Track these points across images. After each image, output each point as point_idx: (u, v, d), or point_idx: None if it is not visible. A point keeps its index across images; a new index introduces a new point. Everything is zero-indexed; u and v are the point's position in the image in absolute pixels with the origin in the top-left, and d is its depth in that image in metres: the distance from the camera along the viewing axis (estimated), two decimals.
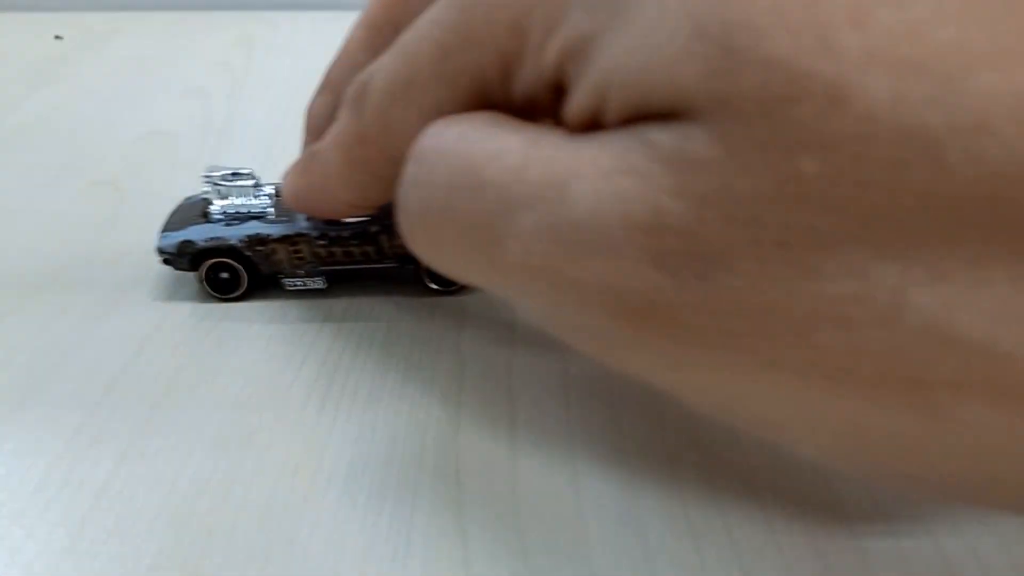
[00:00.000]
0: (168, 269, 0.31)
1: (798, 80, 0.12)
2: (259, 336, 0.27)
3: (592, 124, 0.15)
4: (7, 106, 0.47)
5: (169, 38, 0.59)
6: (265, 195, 0.29)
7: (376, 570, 0.19)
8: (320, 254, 0.29)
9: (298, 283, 0.29)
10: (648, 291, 0.14)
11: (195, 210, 0.30)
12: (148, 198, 0.37)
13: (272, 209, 0.29)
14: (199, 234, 0.29)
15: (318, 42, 0.59)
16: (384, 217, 0.28)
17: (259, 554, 0.20)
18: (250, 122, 0.45)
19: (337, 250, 0.29)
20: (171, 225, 0.29)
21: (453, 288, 0.30)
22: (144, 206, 0.36)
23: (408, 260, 0.29)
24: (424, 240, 0.18)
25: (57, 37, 0.59)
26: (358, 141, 0.22)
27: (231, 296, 0.29)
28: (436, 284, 0.29)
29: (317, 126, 0.28)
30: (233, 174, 0.29)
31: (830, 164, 0.12)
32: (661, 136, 0.14)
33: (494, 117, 0.17)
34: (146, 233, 0.33)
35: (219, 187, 0.29)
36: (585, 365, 0.26)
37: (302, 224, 0.28)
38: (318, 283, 0.29)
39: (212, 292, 0.29)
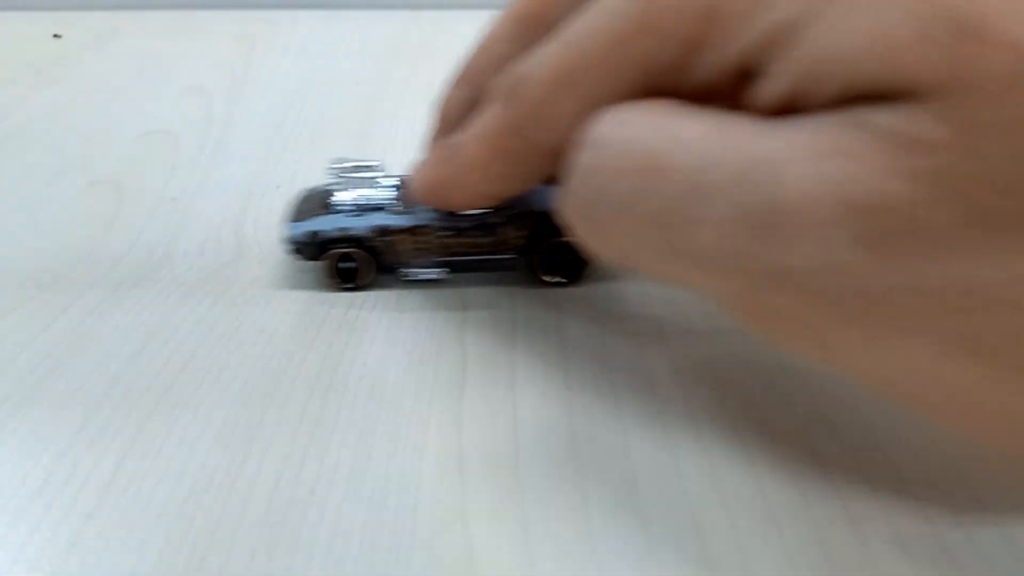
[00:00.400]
0: (167, 267, 0.31)
1: None
2: (262, 332, 0.27)
3: (788, 109, 0.15)
4: (6, 105, 0.47)
5: (169, 37, 0.59)
6: (388, 187, 0.30)
7: (381, 562, 0.19)
8: (443, 245, 0.29)
9: (418, 273, 0.30)
10: (854, 273, 0.14)
11: (318, 201, 0.30)
12: (148, 197, 0.37)
13: (394, 201, 0.30)
14: (326, 224, 0.29)
15: (318, 41, 0.59)
16: (506, 208, 0.29)
17: (264, 548, 0.20)
18: (250, 121, 0.45)
19: (459, 241, 0.29)
20: (297, 216, 0.30)
21: (569, 281, 0.30)
22: (144, 205, 0.36)
23: (525, 252, 0.29)
24: (595, 227, 0.18)
25: (56, 36, 0.59)
26: (509, 132, 0.22)
27: (352, 286, 0.30)
28: (551, 277, 0.30)
29: (451, 119, 0.28)
30: (357, 167, 0.30)
31: None
32: (880, 118, 0.14)
33: (671, 104, 0.18)
34: (147, 232, 0.34)
35: (343, 179, 0.30)
36: (586, 358, 0.26)
37: (425, 215, 0.29)
38: (439, 274, 0.30)
39: (337, 282, 0.30)
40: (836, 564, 0.19)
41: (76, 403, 0.24)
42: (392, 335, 0.27)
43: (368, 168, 0.30)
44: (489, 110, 0.23)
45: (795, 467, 0.22)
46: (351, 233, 0.29)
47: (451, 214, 0.29)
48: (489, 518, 0.20)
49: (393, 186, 0.30)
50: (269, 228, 0.34)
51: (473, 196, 0.26)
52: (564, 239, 0.28)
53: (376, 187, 0.30)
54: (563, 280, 0.30)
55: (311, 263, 0.29)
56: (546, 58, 0.20)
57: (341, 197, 0.30)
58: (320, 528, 0.20)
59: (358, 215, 0.29)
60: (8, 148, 0.42)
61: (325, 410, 0.24)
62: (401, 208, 0.29)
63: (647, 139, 0.17)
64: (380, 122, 0.45)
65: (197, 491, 0.21)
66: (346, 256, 0.29)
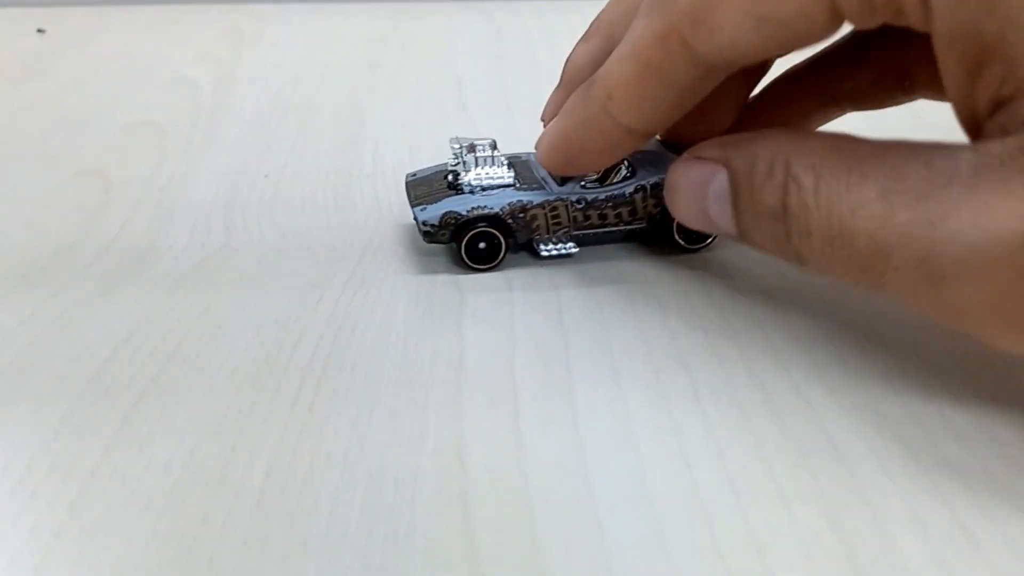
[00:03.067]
0: (154, 257, 0.30)
1: None
2: (251, 321, 0.26)
3: None
4: None
5: (155, 31, 0.58)
6: (504, 166, 0.29)
7: (379, 554, 0.18)
8: (577, 218, 0.29)
9: (552, 249, 0.29)
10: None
11: (438, 183, 0.30)
12: (135, 187, 0.36)
13: (516, 179, 0.29)
14: (460, 205, 0.29)
15: (306, 34, 0.59)
16: (636, 179, 0.29)
17: (257, 538, 0.19)
18: (238, 112, 0.45)
19: (593, 213, 0.29)
20: (421, 199, 0.29)
21: (703, 245, 0.30)
22: (131, 195, 0.35)
23: (659, 220, 0.29)
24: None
25: (40, 31, 0.58)
26: (663, 38, 0.22)
27: (487, 267, 0.29)
28: (687, 242, 0.30)
29: (576, 75, 0.28)
30: (472, 146, 0.30)
31: None
32: None
33: (845, 152, 0.20)
34: (134, 222, 0.33)
35: (465, 159, 0.29)
36: (587, 342, 0.25)
37: (558, 189, 0.29)
38: (570, 248, 0.29)
39: (471, 264, 0.29)
40: (852, 546, 0.18)
41: (61, 393, 0.23)
42: (387, 322, 0.26)
43: (483, 147, 0.30)
44: (636, 26, 0.23)
45: (805, 445, 0.21)
46: (487, 212, 0.28)
47: (584, 188, 0.29)
48: (490, 504, 0.20)
49: (510, 163, 0.30)
50: (258, 218, 0.33)
51: (612, 135, 0.25)
52: None
53: (495, 165, 0.29)
54: (699, 245, 0.30)
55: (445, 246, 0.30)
56: None
57: (467, 178, 0.29)
58: (315, 517, 0.19)
59: (489, 194, 0.29)
60: None
61: (318, 398, 0.23)
62: (528, 185, 0.29)
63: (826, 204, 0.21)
64: (369, 113, 0.45)
65: (185, 481, 0.20)
66: (481, 236, 0.29)
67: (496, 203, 0.28)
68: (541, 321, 0.26)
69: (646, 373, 0.24)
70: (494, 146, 0.30)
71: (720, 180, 0.24)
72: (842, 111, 0.29)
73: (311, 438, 0.21)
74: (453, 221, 0.28)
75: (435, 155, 0.39)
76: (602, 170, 0.29)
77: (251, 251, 0.31)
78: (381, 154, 0.39)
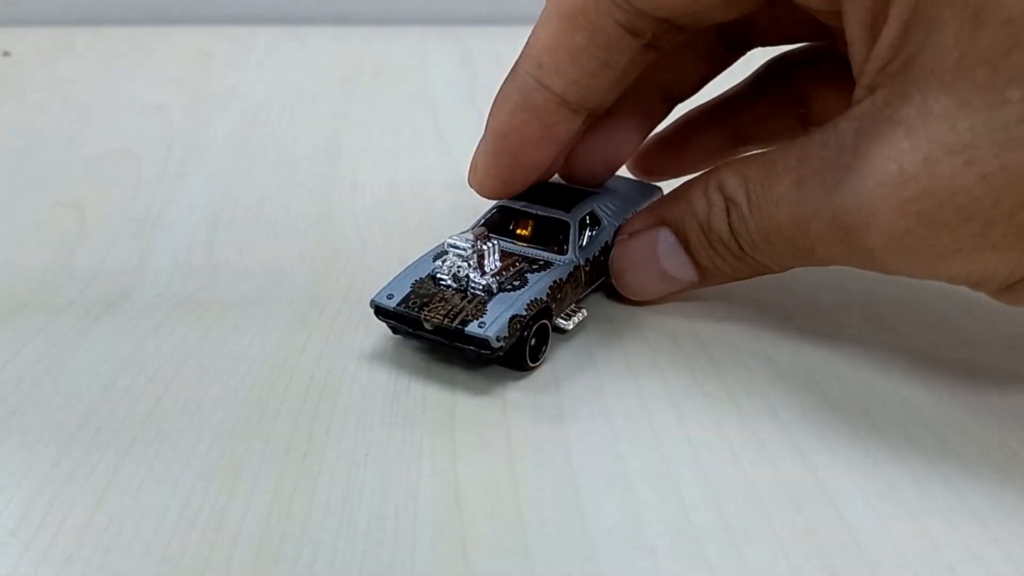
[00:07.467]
0: (137, 292, 0.30)
1: None
2: (240, 360, 0.26)
3: None
4: None
5: (124, 54, 0.57)
6: (495, 253, 0.26)
7: None
8: (584, 280, 0.27)
9: (571, 322, 0.27)
10: None
11: (439, 291, 0.25)
12: (112, 219, 0.36)
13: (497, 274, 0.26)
14: (513, 306, 0.24)
15: (279, 57, 0.58)
16: (609, 228, 0.29)
17: None
18: (211, 139, 0.44)
19: (593, 271, 0.28)
20: (453, 313, 0.24)
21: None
22: (108, 227, 0.35)
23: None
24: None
25: (4, 53, 0.57)
26: None
27: (537, 363, 0.26)
28: None
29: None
30: (453, 246, 0.26)
31: None
32: None
33: (759, 159, 0.24)
34: (114, 255, 0.33)
35: (470, 259, 0.26)
36: (577, 384, 0.25)
37: (565, 258, 0.27)
38: (584, 314, 0.27)
39: (531, 363, 0.26)
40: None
41: (49, 438, 0.23)
42: (376, 361, 0.26)
43: (460, 248, 0.26)
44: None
45: (800, 492, 0.21)
46: (541, 303, 0.25)
47: (581, 248, 0.27)
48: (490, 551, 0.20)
49: (486, 250, 0.26)
50: (240, 251, 0.33)
51: (549, 115, 0.25)
52: None
53: (491, 255, 0.26)
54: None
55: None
56: None
57: (483, 279, 0.25)
58: (316, 565, 0.19)
59: (516, 288, 0.25)
60: None
61: (312, 442, 0.23)
62: (532, 265, 0.26)
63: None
64: (345, 142, 0.45)
65: (183, 529, 0.20)
66: (535, 331, 0.25)
67: (539, 291, 0.25)
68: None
69: (637, 415, 0.24)
70: (483, 238, 0.26)
71: (665, 236, 0.26)
72: (746, 148, 0.32)
73: (308, 485, 0.21)
74: (519, 324, 0.24)
75: (413, 186, 0.39)
76: (546, 169, 0.27)
77: (234, 286, 0.31)
78: (359, 185, 0.39)
